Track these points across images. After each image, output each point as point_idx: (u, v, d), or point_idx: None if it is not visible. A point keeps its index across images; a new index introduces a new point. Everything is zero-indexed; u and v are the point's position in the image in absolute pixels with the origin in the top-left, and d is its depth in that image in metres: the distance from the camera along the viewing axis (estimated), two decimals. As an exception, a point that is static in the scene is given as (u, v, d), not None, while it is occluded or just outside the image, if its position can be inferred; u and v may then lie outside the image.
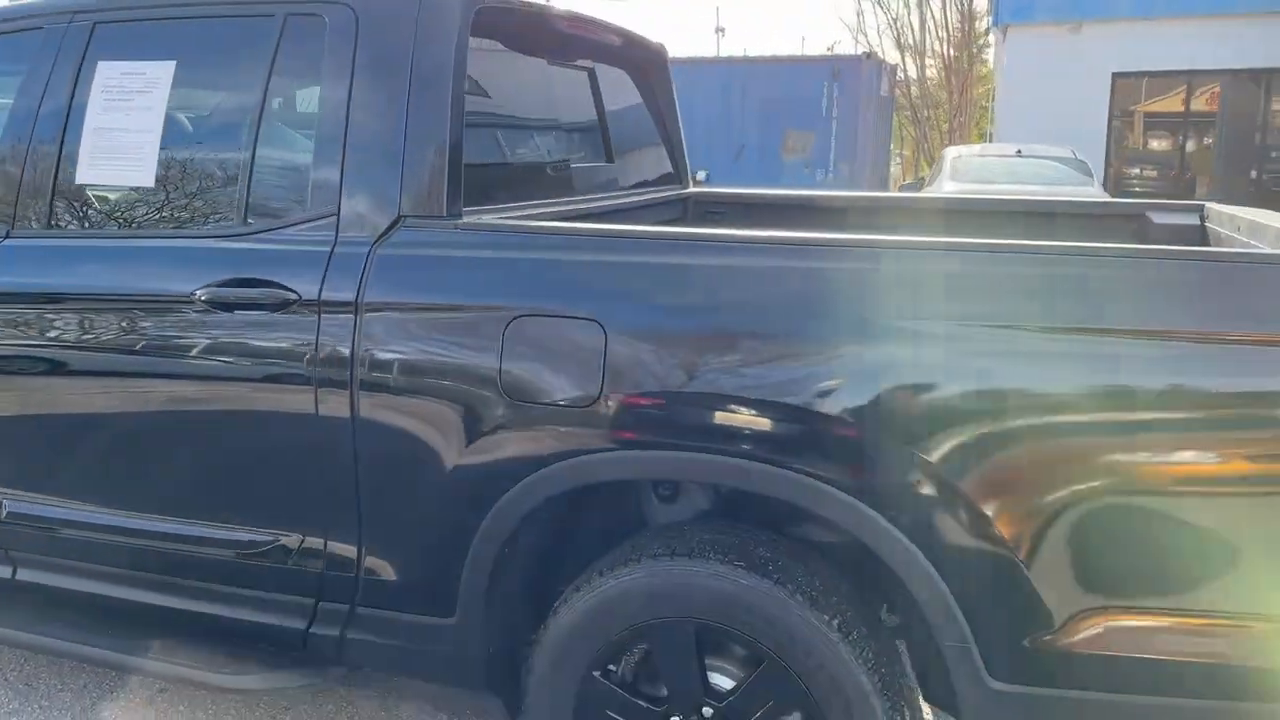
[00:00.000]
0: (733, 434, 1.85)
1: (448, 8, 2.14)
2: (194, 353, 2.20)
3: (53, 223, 2.40)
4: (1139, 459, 1.69)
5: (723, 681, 1.98)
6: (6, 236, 2.42)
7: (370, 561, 2.15)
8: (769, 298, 1.86)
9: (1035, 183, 9.01)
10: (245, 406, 2.17)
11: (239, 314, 2.14)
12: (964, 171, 9.64)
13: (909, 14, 27.00)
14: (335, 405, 2.07)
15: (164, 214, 2.35)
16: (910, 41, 25.42)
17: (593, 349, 1.90)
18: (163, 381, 2.25)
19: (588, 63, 2.96)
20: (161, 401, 2.26)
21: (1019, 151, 9.95)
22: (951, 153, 10.83)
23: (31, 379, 2.38)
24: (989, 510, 1.72)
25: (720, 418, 1.85)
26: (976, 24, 23.68)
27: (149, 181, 2.34)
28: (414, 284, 2.07)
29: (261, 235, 2.19)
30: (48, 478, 2.44)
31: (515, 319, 1.96)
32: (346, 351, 2.05)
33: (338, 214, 2.12)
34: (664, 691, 2.01)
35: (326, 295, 2.08)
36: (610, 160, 3.06)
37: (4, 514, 2.46)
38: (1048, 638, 1.74)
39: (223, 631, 2.34)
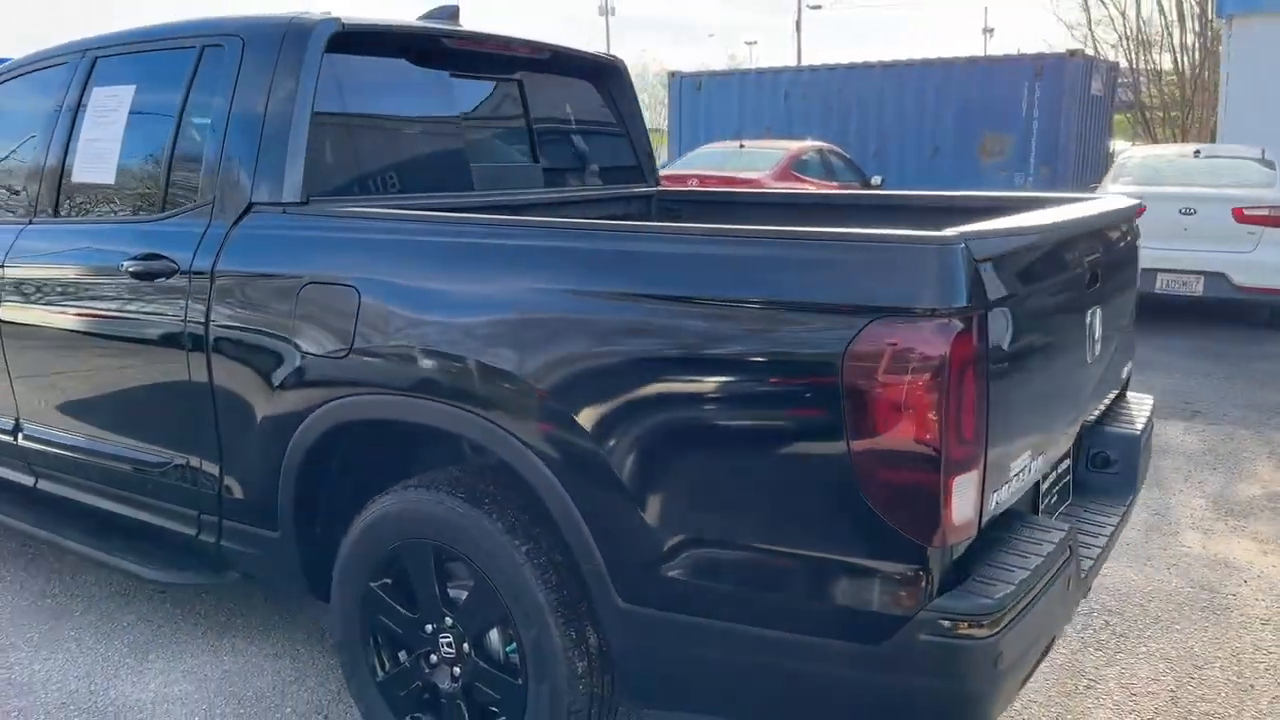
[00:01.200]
0: (422, 380, 2.22)
1: (300, 35, 2.63)
2: (124, 311, 2.82)
3: (58, 212, 3.12)
4: (699, 415, 1.90)
5: (458, 594, 2.33)
6: (30, 223, 3.16)
7: (228, 482, 2.68)
8: (437, 267, 2.25)
9: (1204, 183, 8.38)
10: (149, 352, 2.76)
11: (145, 281, 2.73)
12: (1131, 172, 9.08)
13: (1135, 5, 24.97)
14: (198, 352, 2.62)
15: (117, 204, 3.00)
16: (1136, 35, 23.59)
17: (349, 311, 2.32)
18: (107, 334, 2.90)
19: (514, 75, 3.37)
20: (104, 348, 2.91)
21: (1197, 153, 9.24)
22: (1126, 153, 10.18)
23: (32, 330, 3.11)
24: (601, 450, 1.98)
25: (413, 368, 2.22)
26: (1209, 15, 21.63)
27: (110, 180, 2.99)
28: (251, 257, 2.57)
29: (167, 220, 2.78)
30: (41, 407, 3.16)
31: (305, 284, 2.41)
32: (203, 310, 2.59)
33: (213, 203, 2.67)
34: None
35: (195, 266, 2.62)
36: (535, 160, 3.44)
37: (22, 437, 3.22)
38: (656, 566, 1.97)
39: (149, 533, 2.95)
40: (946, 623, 1.73)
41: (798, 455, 1.83)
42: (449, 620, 2.34)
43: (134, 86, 3.00)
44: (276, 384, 2.47)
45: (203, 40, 2.82)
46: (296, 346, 2.42)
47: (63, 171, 3.11)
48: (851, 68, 16.93)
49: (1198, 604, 3.43)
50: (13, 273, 3.14)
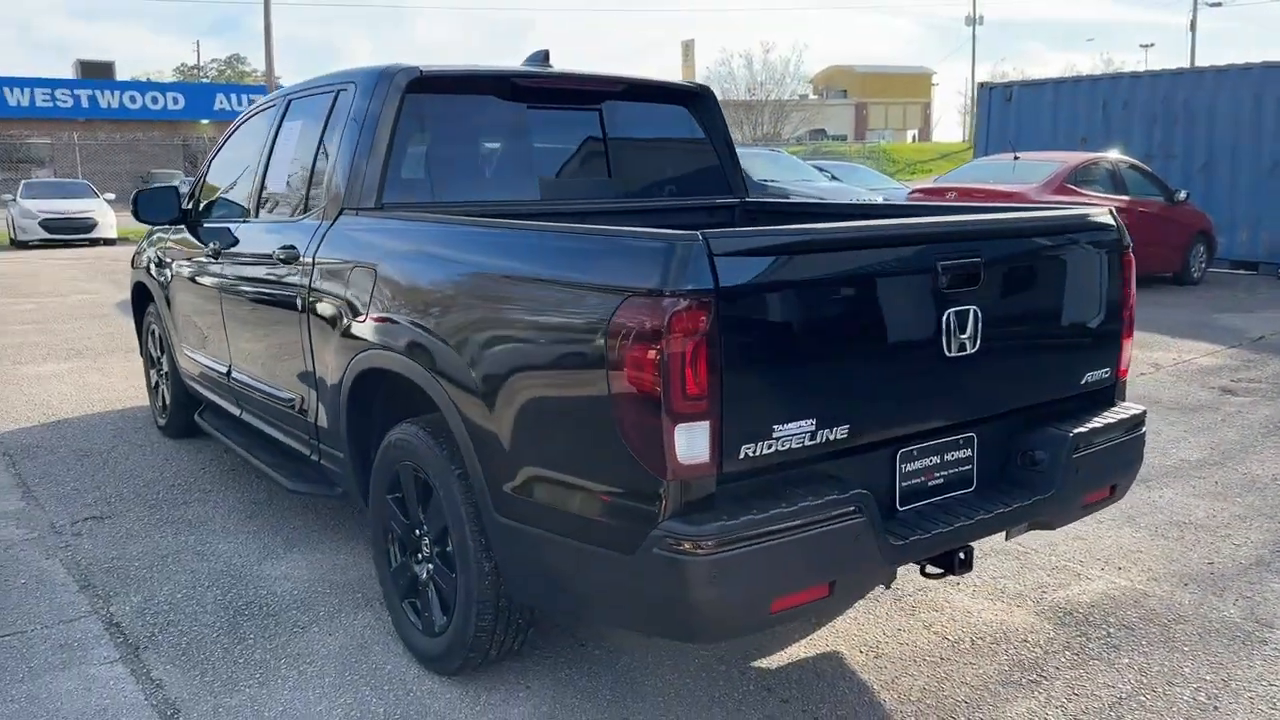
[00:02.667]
0: (398, 341, 2.95)
1: (386, 80, 3.48)
2: (275, 289, 3.83)
3: (258, 214, 4.23)
4: (527, 368, 2.47)
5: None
6: (244, 221, 4.32)
7: (320, 414, 3.58)
8: (414, 255, 3.02)
9: None
10: (286, 318, 3.74)
11: (286, 266, 3.71)
12: None
13: None
14: (305, 315, 3.55)
15: (283, 208, 4.04)
16: None
17: (369, 287, 3.11)
18: (269, 303, 3.93)
19: (591, 104, 4.02)
20: (269, 314, 3.95)
21: None
22: None
23: (237, 297, 4.24)
24: (478, 394, 2.60)
25: (394, 329, 2.96)
26: None
27: (283, 189, 4.04)
28: (331, 248, 3.45)
29: (300, 220, 3.74)
30: (239, 355, 4.30)
31: (353, 267, 3.25)
32: (306, 284, 3.52)
33: (324, 207, 3.59)
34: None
35: (306, 254, 3.56)
36: (609, 174, 4.07)
37: (231, 379, 4.39)
38: (510, 487, 2.55)
39: (294, 454, 3.96)
40: (672, 541, 2.16)
41: (583, 403, 2.33)
42: (424, 526, 3.05)
43: (301, 121, 4.02)
44: (335, 341, 3.33)
45: (338, 86, 3.76)
46: (346, 313, 3.25)
47: (262, 183, 4.22)
48: (1179, 74, 15.54)
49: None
50: (230, 253, 4.31)
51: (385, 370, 3.10)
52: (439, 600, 3.02)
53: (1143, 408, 3.20)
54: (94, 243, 22.99)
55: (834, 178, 17.97)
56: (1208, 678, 3.03)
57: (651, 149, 4.28)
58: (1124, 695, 2.94)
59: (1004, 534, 2.91)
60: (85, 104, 41.63)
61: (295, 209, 3.89)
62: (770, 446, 2.29)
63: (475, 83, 3.78)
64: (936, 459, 2.70)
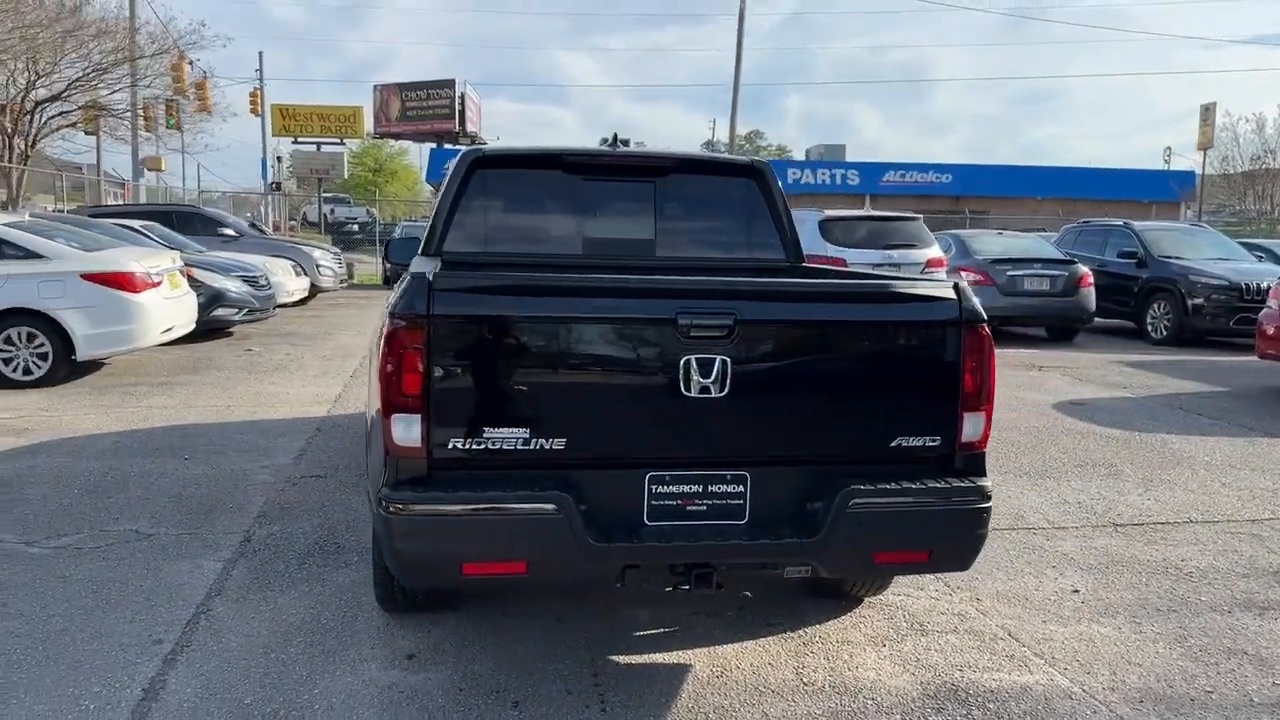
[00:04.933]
0: None
1: (464, 158, 4.53)
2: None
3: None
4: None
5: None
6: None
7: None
8: None
9: None
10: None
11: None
12: None
13: None
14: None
15: (429, 251, 5.25)
16: None
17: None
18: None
19: (648, 176, 4.73)
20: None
21: None
22: None
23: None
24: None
25: None
26: None
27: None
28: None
29: (428, 259, 4.91)
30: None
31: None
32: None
33: (420, 249, 4.72)
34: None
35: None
36: (654, 236, 4.73)
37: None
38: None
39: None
40: (385, 501, 2.91)
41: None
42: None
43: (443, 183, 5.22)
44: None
45: (451, 163, 4.90)
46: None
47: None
48: None
49: None
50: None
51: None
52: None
53: (988, 483, 3.18)
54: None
55: (1262, 257, 15.76)
56: None
57: (702, 216, 4.85)
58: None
59: (774, 569, 3.16)
60: None
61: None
62: (480, 444, 2.93)
63: (531, 160, 4.70)
64: (698, 488, 3.08)
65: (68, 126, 26.73)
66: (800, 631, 3.90)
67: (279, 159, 48.49)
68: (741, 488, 3.10)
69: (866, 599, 4.21)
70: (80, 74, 24.15)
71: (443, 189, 4.60)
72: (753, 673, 3.53)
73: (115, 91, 26.20)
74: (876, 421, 3.17)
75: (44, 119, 25.02)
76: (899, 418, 3.17)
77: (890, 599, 4.25)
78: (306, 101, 44.82)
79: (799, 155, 52.11)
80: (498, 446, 2.95)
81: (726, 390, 3.01)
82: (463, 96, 48.13)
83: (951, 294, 3.17)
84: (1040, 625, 4.05)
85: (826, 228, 13.16)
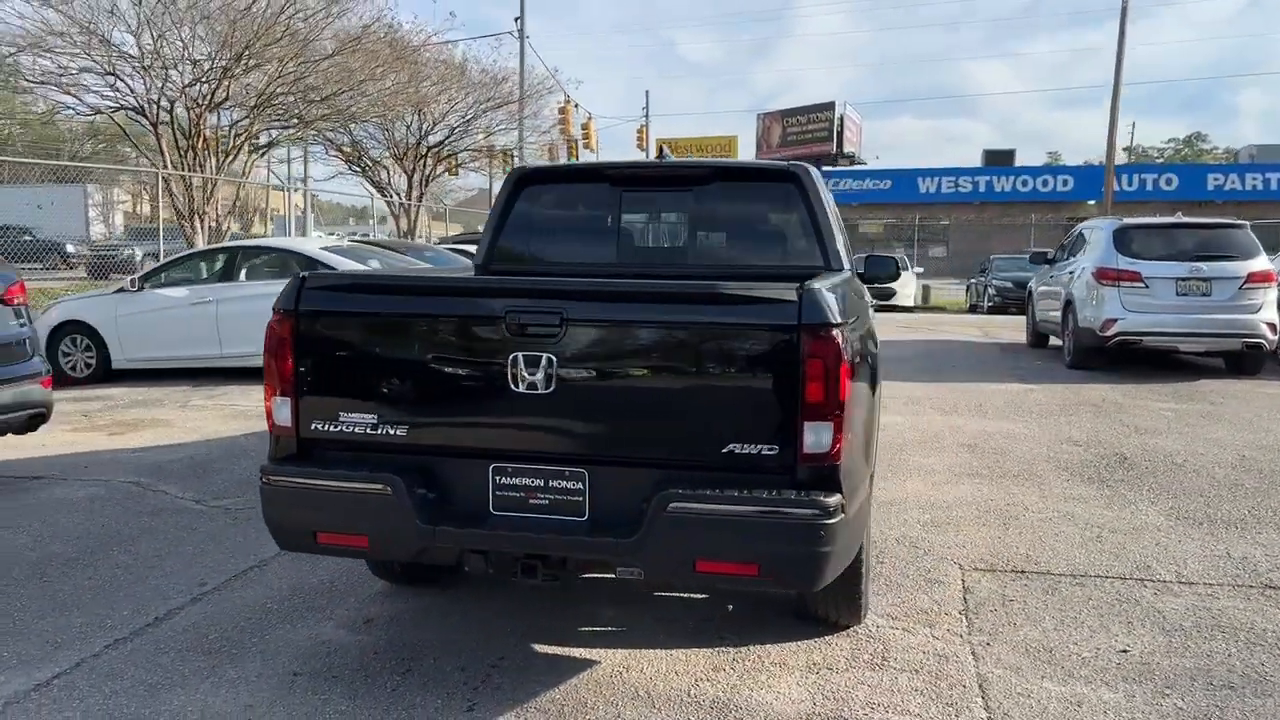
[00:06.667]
0: None
1: (509, 177, 4.89)
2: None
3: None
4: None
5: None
6: None
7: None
8: None
9: None
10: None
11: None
12: None
13: None
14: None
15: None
16: None
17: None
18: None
19: (685, 186, 4.76)
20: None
21: None
22: None
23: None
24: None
25: None
26: None
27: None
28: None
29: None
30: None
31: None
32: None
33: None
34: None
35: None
36: (690, 243, 4.74)
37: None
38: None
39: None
40: (262, 474, 3.32)
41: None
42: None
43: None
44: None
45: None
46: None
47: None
48: None
49: None
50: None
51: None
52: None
53: (834, 499, 2.91)
54: (894, 308, 26.47)
55: None
56: None
57: (737, 223, 4.73)
58: None
59: (608, 568, 3.13)
60: (982, 189, 46.09)
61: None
62: (338, 427, 3.25)
63: (572, 174, 4.91)
64: (540, 482, 3.15)
65: (453, 168, 30.74)
66: (743, 649, 3.73)
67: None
68: (580, 485, 3.12)
69: (853, 628, 3.92)
70: (459, 121, 27.74)
71: (493, 205, 4.97)
72: (649, 680, 3.47)
73: (492, 135, 29.73)
74: (708, 426, 3.02)
75: (432, 163, 28.96)
76: (732, 424, 3.00)
77: (884, 631, 3.92)
78: (684, 134, 47.57)
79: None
80: (352, 430, 3.25)
81: (553, 387, 3.06)
82: (841, 118, 48.50)
83: (792, 297, 2.95)
84: (1035, 682, 3.52)
85: (1123, 237, 11.69)
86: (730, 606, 4.17)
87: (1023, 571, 4.68)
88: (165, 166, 17.91)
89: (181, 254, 13.02)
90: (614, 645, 3.77)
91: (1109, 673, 3.59)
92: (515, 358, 3.08)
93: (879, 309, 24.86)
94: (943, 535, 5.24)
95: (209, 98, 18.15)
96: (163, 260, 12.86)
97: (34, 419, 6.03)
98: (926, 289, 29.84)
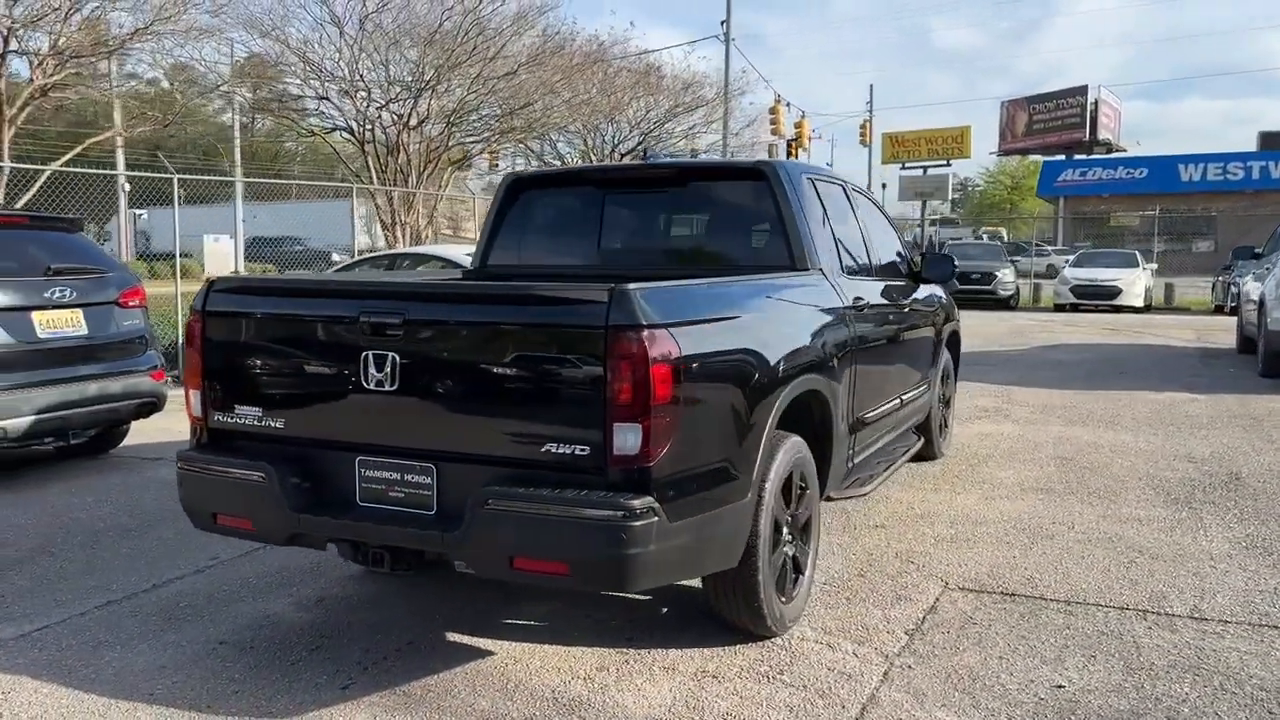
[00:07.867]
0: None
1: (504, 181, 5.06)
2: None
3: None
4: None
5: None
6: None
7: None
8: None
9: None
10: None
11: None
12: None
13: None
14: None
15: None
16: None
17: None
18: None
19: (662, 188, 4.75)
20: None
21: None
22: None
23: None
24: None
25: None
26: None
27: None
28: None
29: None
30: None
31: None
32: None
33: (487, 265, 5.35)
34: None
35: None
36: (665, 242, 4.72)
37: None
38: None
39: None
40: (177, 458, 3.66)
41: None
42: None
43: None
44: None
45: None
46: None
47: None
48: None
49: None
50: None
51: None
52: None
53: (643, 501, 2.86)
54: (1117, 309, 24.19)
55: None
56: None
57: (710, 222, 4.65)
58: None
59: (447, 561, 3.21)
60: (1256, 175, 40.93)
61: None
62: (233, 419, 3.54)
63: (560, 178, 5.00)
64: (397, 476, 3.30)
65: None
66: (642, 652, 3.69)
67: (883, 185, 50.30)
68: (429, 479, 3.23)
69: (774, 639, 3.80)
70: (651, 126, 28.17)
71: (489, 208, 5.16)
72: (527, 674, 3.51)
73: (694, 136, 30.01)
74: (532, 426, 3.05)
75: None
76: (552, 424, 3.01)
77: (803, 644, 3.76)
78: (913, 126, 45.28)
79: None
80: (244, 421, 3.53)
81: (396, 385, 3.20)
82: (1095, 103, 45.18)
83: (602, 298, 2.92)
84: (930, 710, 3.27)
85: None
86: (664, 609, 4.13)
87: (1012, 594, 4.32)
88: (371, 182, 19.49)
89: (357, 259, 14.19)
90: (521, 639, 3.84)
91: (1022, 708, 3.28)
92: (365, 356, 3.24)
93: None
94: (950, 552, 4.91)
95: (406, 117, 19.56)
96: (341, 263, 14.07)
97: (143, 408, 6.84)
98: (1170, 287, 27.12)
